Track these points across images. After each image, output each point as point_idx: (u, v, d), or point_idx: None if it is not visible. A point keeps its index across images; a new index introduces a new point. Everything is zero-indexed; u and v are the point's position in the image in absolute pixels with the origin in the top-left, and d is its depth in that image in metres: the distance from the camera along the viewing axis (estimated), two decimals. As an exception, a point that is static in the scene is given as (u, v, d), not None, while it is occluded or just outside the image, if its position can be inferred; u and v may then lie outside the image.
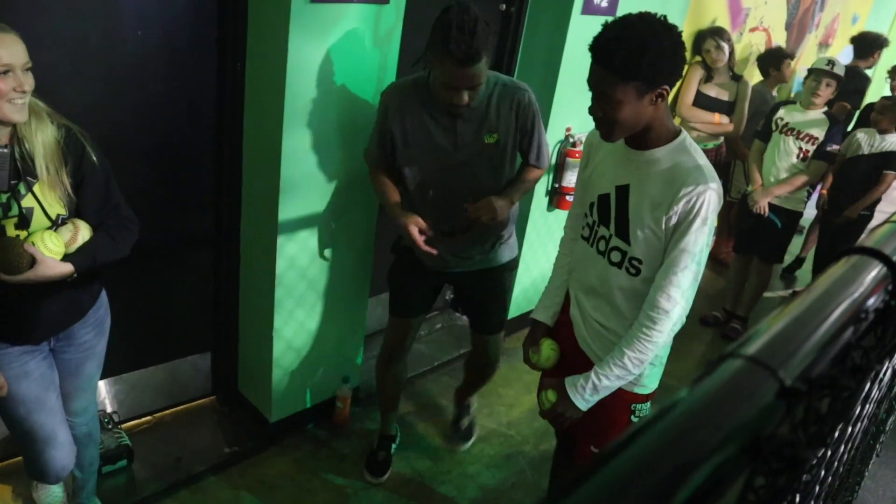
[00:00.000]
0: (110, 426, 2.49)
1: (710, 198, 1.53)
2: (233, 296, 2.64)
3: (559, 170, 3.31)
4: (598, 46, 1.49)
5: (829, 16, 5.80)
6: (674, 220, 1.55)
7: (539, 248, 3.52)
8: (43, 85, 1.91)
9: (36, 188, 1.62)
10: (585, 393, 1.66)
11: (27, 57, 1.54)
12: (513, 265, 2.43)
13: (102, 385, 2.51)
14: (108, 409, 2.56)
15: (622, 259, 1.68)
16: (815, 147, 3.50)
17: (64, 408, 1.98)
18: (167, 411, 2.76)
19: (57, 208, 1.66)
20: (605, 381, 1.64)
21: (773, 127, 3.63)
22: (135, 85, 2.14)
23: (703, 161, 1.58)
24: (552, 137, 3.17)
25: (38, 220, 1.63)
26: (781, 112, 3.64)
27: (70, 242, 1.67)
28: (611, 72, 1.47)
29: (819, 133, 3.48)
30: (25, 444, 1.89)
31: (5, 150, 1.58)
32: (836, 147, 3.51)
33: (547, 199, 3.41)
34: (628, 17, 1.49)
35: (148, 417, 2.71)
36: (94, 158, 1.71)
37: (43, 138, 1.62)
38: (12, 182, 1.60)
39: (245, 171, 2.40)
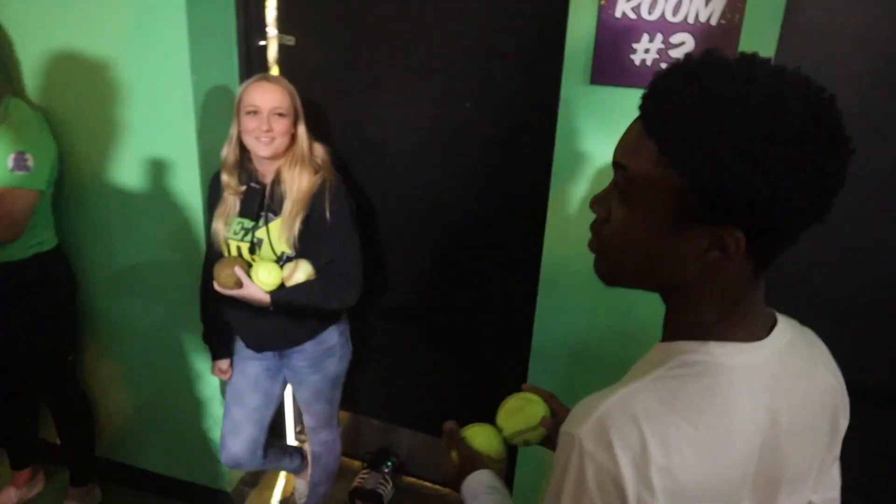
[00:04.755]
0: (387, 470, 2.58)
1: (584, 465, 0.72)
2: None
3: None
4: (663, 100, 0.73)
5: None
6: None
7: None
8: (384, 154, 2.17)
9: (272, 224, 1.86)
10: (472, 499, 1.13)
11: (280, 104, 1.77)
12: None
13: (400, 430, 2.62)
14: (394, 456, 2.63)
15: None
16: None
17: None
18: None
19: (283, 247, 1.87)
20: None
21: None
22: (466, 160, 2.15)
23: (644, 403, 0.73)
24: None
25: (266, 251, 1.88)
26: None
27: (286, 279, 1.86)
28: (658, 141, 0.72)
29: None
30: (223, 425, 2.17)
31: (258, 187, 1.88)
32: None
33: None
34: (727, 60, 0.71)
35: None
36: (328, 216, 1.83)
37: (299, 184, 1.85)
38: (259, 213, 1.89)
39: (544, 257, 2.13)
